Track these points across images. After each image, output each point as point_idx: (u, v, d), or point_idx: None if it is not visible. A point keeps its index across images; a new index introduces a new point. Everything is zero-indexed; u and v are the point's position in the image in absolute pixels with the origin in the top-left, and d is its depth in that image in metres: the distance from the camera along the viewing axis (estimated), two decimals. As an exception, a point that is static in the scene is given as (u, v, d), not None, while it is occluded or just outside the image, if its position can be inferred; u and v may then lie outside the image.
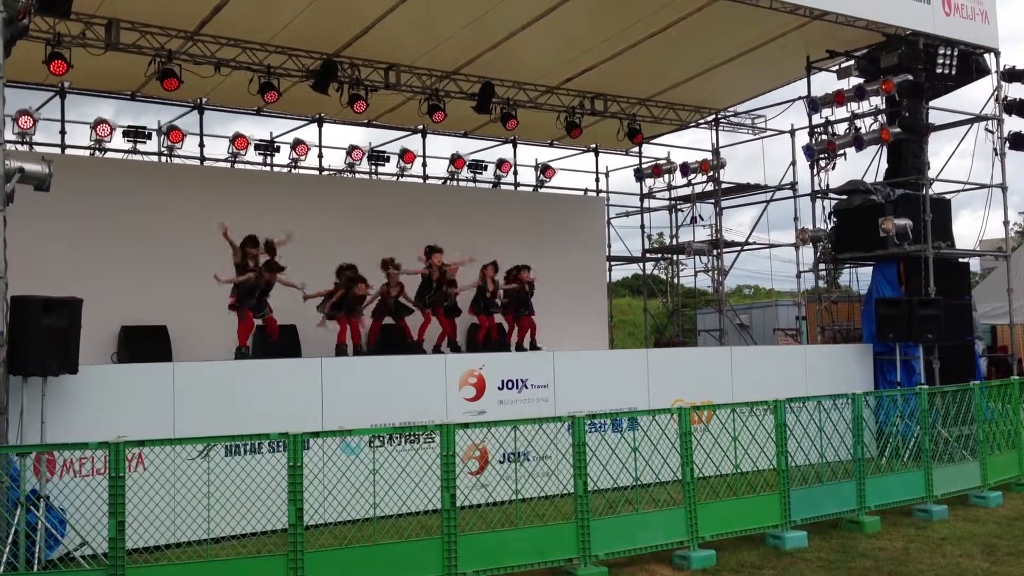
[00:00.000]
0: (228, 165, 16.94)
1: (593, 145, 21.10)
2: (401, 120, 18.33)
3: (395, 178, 18.69)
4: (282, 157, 17.42)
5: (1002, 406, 12.35)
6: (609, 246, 21.60)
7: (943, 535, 9.68)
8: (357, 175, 18.41)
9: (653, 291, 24.66)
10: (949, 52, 15.40)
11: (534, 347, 14.58)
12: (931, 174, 15.93)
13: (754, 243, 21.39)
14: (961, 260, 16.98)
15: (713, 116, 20.14)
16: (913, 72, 15.28)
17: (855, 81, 16.15)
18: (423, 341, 14.01)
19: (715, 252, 20.74)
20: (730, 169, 25.91)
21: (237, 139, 16.62)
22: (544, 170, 20.72)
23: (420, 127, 18.78)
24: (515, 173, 20.30)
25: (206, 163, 16.84)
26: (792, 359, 14.75)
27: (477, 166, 19.74)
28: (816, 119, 16.71)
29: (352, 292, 12.92)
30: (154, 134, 16.06)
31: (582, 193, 21.53)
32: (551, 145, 20.65)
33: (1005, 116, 16.42)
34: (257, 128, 62.24)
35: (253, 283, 11.95)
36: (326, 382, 10.63)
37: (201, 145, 16.74)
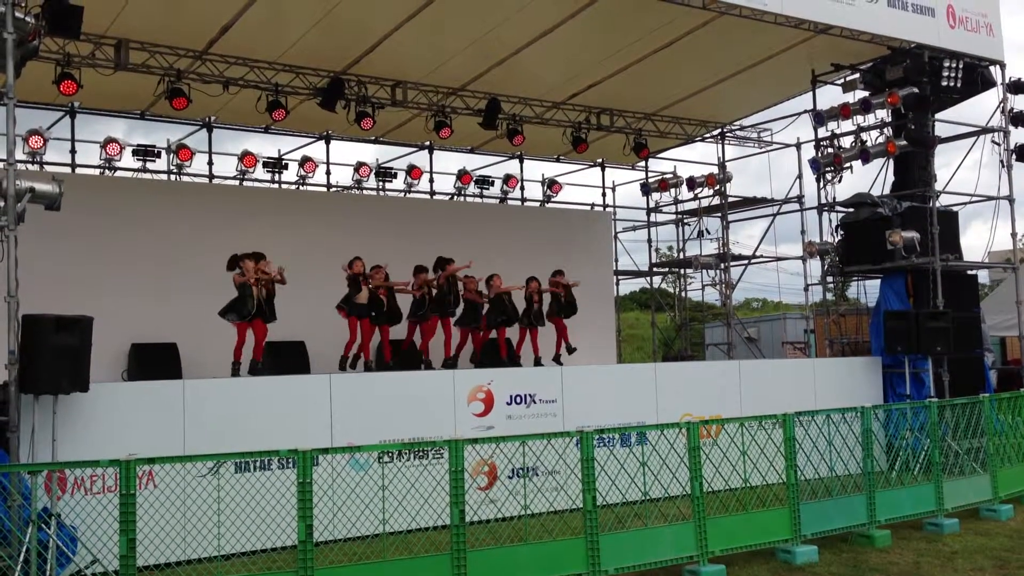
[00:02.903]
0: (237, 183, 17.01)
1: (599, 160, 21.15)
2: (408, 136, 18.41)
3: (402, 194, 18.74)
4: (290, 174, 17.48)
5: (1012, 418, 12.31)
6: (616, 260, 21.62)
7: (954, 549, 9.64)
8: (365, 191, 18.48)
9: (661, 305, 24.64)
10: (954, 65, 15.41)
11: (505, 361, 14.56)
12: (938, 186, 15.94)
13: (761, 256, 21.41)
14: (969, 272, 16.95)
15: (719, 130, 20.18)
16: (918, 85, 15.28)
17: (861, 94, 16.17)
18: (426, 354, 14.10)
19: (722, 265, 20.73)
20: (739, 183, 25.99)
21: (245, 157, 16.69)
22: (551, 185, 20.78)
23: (427, 143, 18.85)
24: (522, 188, 20.36)
25: (215, 181, 16.92)
26: (801, 372, 14.73)
27: (484, 182, 19.80)
28: (822, 132, 16.73)
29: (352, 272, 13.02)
30: (163, 152, 16.15)
31: (589, 208, 21.56)
32: (557, 160, 20.70)
33: (1011, 128, 16.43)
34: (265, 146, 61.74)
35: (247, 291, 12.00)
36: (335, 398, 10.66)
37: (210, 163, 16.83)
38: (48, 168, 14.93)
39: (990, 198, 16.53)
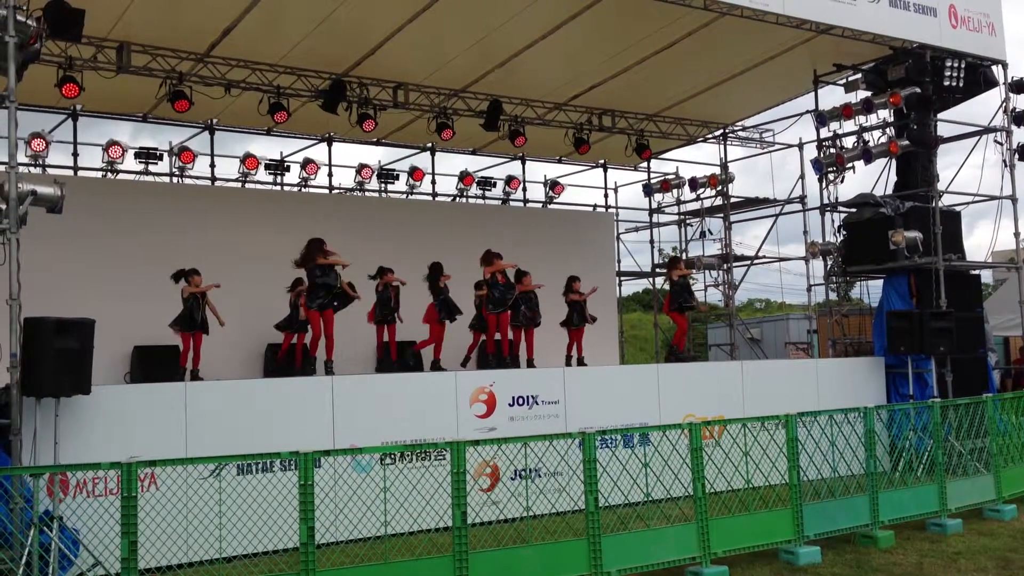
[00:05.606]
0: (239, 185, 17.03)
1: (601, 161, 21.14)
2: (410, 138, 18.42)
3: (405, 196, 18.75)
4: (292, 176, 17.52)
5: (1015, 418, 12.29)
6: (619, 261, 21.60)
7: (957, 549, 9.62)
8: (367, 193, 18.50)
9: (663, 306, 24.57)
10: (956, 64, 15.39)
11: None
12: (940, 186, 15.91)
13: (764, 257, 21.38)
14: (972, 272, 16.91)
15: (721, 131, 20.17)
16: (921, 85, 15.28)
17: (863, 94, 16.15)
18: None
19: (725, 266, 20.72)
20: (744, 183, 26.02)
21: (247, 159, 16.71)
22: (553, 186, 20.79)
23: (429, 145, 18.86)
24: (524, 190, 20.37)
25: (217, 183, 16.94)
26: (803, 373, 14.71)
27: (486, 183, 19.81)
28: (824, 132, 16.71)
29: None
30: (165, 155, 16.18)
31: (591, 209, 21.56)
32: (559, 161, 20.71)
33: (1014, 128, 16.39)
34: (267, 148, 61.94)
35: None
36: (337, 400, 10.66)
37: (212, 165, 16.86)
38: (50, 171, 14.96)
39: (993, 198, 16.51)
